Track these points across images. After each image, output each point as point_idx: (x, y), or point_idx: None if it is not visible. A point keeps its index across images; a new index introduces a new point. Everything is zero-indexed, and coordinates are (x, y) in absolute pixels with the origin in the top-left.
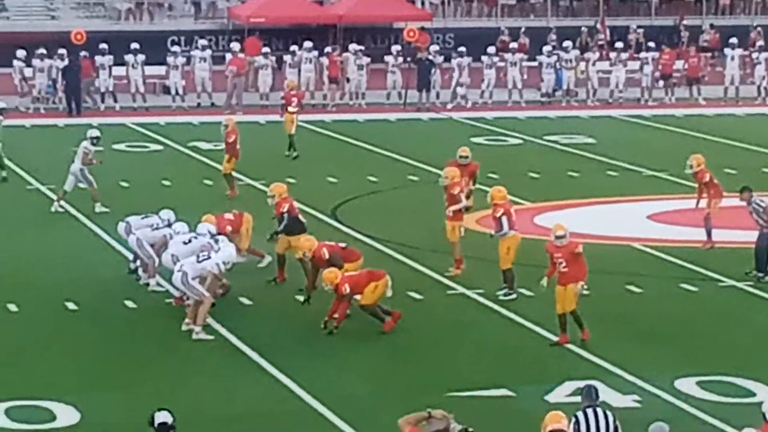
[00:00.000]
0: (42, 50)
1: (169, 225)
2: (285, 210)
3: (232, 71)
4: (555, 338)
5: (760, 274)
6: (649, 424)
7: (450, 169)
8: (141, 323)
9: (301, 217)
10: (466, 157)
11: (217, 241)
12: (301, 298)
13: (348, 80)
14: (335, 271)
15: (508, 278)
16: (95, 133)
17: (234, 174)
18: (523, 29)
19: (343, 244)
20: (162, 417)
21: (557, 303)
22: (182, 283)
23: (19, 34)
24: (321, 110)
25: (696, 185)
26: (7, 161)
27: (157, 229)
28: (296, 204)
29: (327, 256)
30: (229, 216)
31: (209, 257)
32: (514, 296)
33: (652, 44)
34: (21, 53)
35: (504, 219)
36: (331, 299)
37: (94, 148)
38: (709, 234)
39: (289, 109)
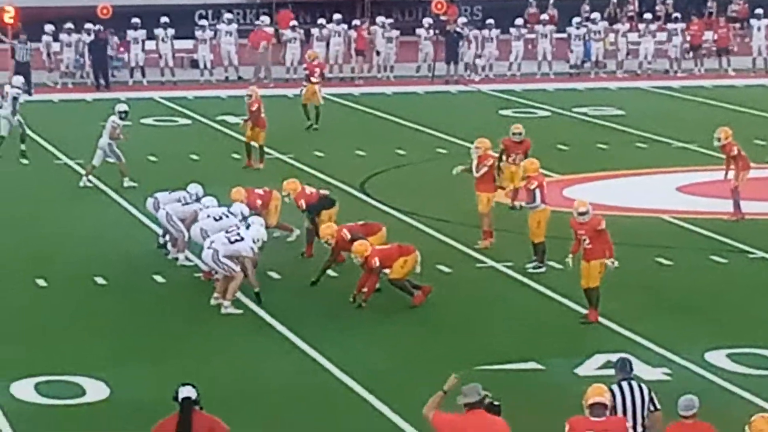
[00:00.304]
0: (69, 25)
1: (198, 200)
2: (304, 207)
3: (265, 46)
4: (584, 311)
5: None
6: (679, 397)
7: (482, 140)
8: (170, 298)
9: (323, 192)
10: (520, 134)
11: (247, 226)
12: (333, 273)
13: (378, 53)
14: (365, 243)
15: (538, 251)
16: (123, 107)
17: (265, 148)
18: (552, 0)
19: (361, 222)
20: (186, 392)
21: (582, 278)
22: (213, 260)
23: (46, 9)
24: (349, 83)
25: (724, 157)
26: (35, 136)
27: (186, 204)
28: (322, 177)
29: (349, 237)
30: (259, 191)
31: (242, 238)
32: (543, 270)
33: (677, 15)
34: (49, 28)
35: (537, 191)
36: (359, 273)
37: (122, 122)
38: (737, 206)
39: (312, 79)
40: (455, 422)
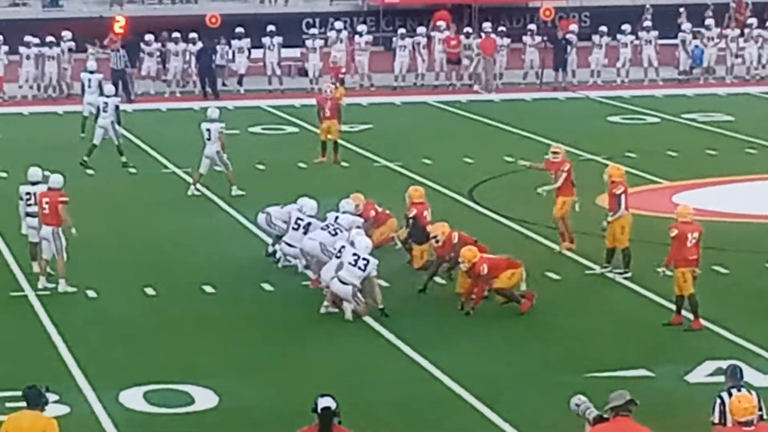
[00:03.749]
0: (176, 34)
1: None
2: (411, 215)
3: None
4: (692, 318)
5: None
6: None
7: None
8: (278, 306)
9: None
10: None
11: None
12: (440, 281)
13: (471, 60)
14: (474, 249)
15: (624, 257)
16: (217, 112)
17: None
18: (683, 10)
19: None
20: (325, 402)
21: (675, 285)
22: (353, 295)
23: (156, 19)
24: (456, 91)
25: None
26: (143, 145)
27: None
28: (430, 185)
29: (456, 240)
30: (378, 208)
31: (368, 261)
32: (629, 274)
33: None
34: (149, 37)
35: (622, 197)
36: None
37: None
38: None
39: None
40: (604, 430)
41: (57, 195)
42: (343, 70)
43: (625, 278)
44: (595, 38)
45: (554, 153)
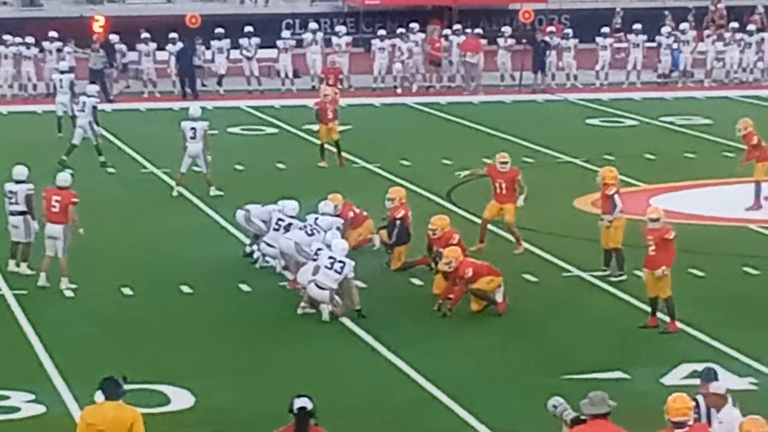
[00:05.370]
0: (146, 34)
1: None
2: (399, 216)
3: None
4: (667, 320)
5: None
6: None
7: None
8: (255, 307)
9: (410, 228)
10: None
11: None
12: (418, 282)
13: (450, 63)
14: (458, 250)
15: (619, 259)
16: (200, 111)
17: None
18: (694, 15)
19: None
20: (301, 402)
21: (647, 287)
22: (330, 299)
23: (136, 18)
24: (436, 92)
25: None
26: (121, 145)
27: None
28: (409, 186)
29: (456, 241)
30: (356, 209)
31: (345, 263)
32: (624, 277)
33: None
34: (114, 37)
35: (616, 197)
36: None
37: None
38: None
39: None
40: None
41: (69, 195)
42: (344, 70)
43: (602, 280)
44: (563, 42)
45: (502, 163)
